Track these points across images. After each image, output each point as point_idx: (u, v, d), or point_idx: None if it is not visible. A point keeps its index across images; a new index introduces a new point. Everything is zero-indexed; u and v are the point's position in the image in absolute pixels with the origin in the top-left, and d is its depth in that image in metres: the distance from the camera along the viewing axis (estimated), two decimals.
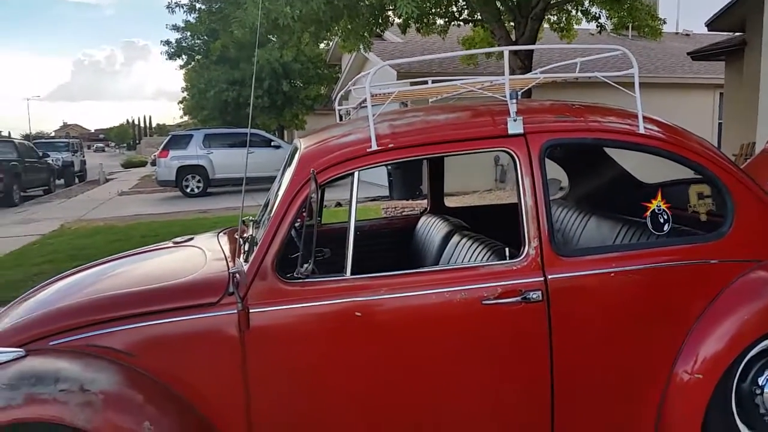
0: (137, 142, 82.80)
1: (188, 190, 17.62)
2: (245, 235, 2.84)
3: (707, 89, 16.50)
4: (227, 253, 2.92)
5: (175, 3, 13.09)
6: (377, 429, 2.58)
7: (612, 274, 2.62)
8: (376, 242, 4.06)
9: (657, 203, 2.74)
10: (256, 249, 2.54)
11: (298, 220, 2.67)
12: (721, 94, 14.36)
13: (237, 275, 2.47)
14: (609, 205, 3.69)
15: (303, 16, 8.05)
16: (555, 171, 3.89)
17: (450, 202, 4.28)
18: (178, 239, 3.38)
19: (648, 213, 2.74)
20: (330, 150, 2.63)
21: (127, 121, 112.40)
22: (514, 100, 2.62)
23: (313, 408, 2.52)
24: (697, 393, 2.69)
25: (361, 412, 2.56)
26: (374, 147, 2.57)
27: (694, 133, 3.00)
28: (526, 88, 3.13)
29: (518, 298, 2.55)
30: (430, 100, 3.60)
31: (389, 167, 13.94)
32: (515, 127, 2.64)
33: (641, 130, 2.72)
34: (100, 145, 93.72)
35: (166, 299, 2.51)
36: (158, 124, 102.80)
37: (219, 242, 3.13)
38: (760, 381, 2.81)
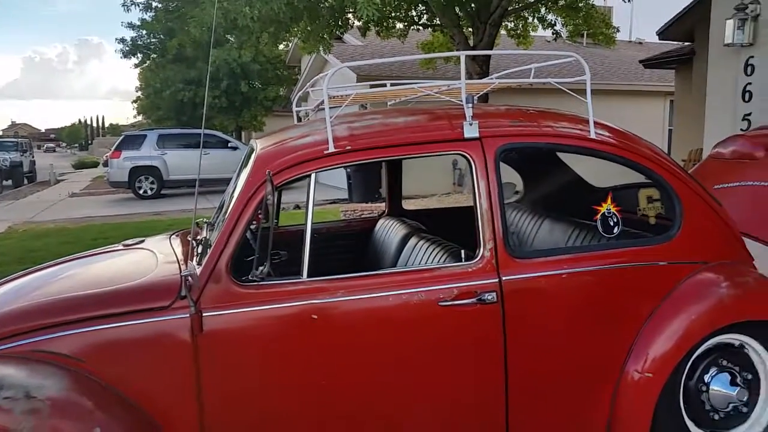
0: (89, 142, 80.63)
1: (141, 192, 17.23)
2: (199, 237, 2.79)
3: (658, 96, 16.99)
4: (179, 255, 2.87)
5: (131, 1, 12.75)
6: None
7: (564, 276, 2.68)
8: (333, 245, 4.05)
9: (607, 206, 2.80)
10: (209, 251, 2.50)
11: (254, 222, 2.65)
12: (671, 101, 14.81)
13: (189, 278, 2.43)
14: (562, 209, 3.76)
15: (262, 17, 7.98)
16: (510, 175, 3.96)
17: (409, 205, 4.30)
18: (128, 242, 3.30)
19: (598, 216, 2.80)
20: (287, 151, 2.62)
21: (80, 120, 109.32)
22: (470, 105, 2.65)
23: (267, 412, 2.49)
24: (647, 391, 2.76)
25: (317, 416, 2.54)
26: (331, 149, 2.57)
27: (644, 138, 3.08)
28: (482, 92, 3.17)
29: (474, 300, 2.58)
30: (389, 103, 3.61)
31: (348, 170, 13.98)
32: (471, 131, 2.67)
33: (592, 135, 2.78)
34: (51, 145, 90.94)
35: (116, 303, 2.45)
36: (111, 124, 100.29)
37: (171, 245, 3.07)
38: (706, 378, 2.91)
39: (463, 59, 2.64)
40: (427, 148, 2.69)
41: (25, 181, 25.39)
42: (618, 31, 14.44)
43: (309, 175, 2.57)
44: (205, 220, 2.94)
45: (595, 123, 2.84)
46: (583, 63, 2.73)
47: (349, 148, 2.60)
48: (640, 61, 12.76)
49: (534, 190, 4.19)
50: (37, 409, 2.17)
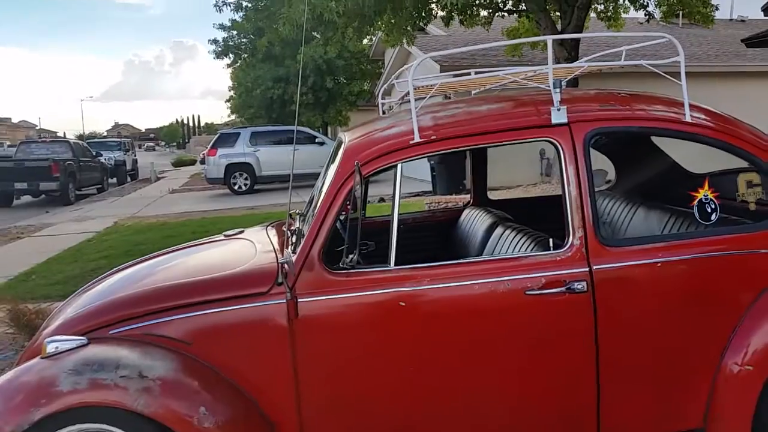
0: (186, 141, 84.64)
1: (236, 188, 17.97)
2: (293, 227, 2.91)
3: (765, 78, 15.89)
4: (276, 245, 3.00)
5: (222, 1, 13.22)
6: (424, 417, 2.63)
7: (658, 264, 2.60)
8: (419, 235, 4.10)
9: (704, 192, 2.69)
10: (303, 241, 2.61)
11: (343, 212, 2.75)
12: None
13: (285, 265, 2.55)
14: (656, 196, 3.63)
15: (347, 11, 8.10)
16: (602, 162, 3.86)
17: (494, 196, 4.28)
18: (228, 232, 3.49)
19: (695, 202, 2.70)
20: (374, 143, 2.68)
21: (177, 120, 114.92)
22: (558, 90, 2.62)
23: (359, 395, 2.58)
24: (748, 384, 2.64)
25: (408, 401, 2.60)
26: (417, 139, 2.61)
27: (744, 121, 2.93)
28: (571, 77, 3.11)
29: (562, 289, 2.55)
30: (474, 92, 3.61)
31: (432, 162, 13.98)
32: (559, 116, 2.63)
33: (688, 118, 2.68)
34: (151, 144, 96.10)
35: (218, 289, 2.60)
36: (206, 123, 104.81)
37: (268, 235, 3.22)
38: None
39: (550, 43, 2.61)
40: (513, 135, 2.68)
41: (128, 179, 27.06)
42: (717, 9, 13.61)
43: (395, 165, 2.63)
44: (298, 212, 3.07)
45: (691, 105, 2.73)
46: (676, 43, 2.63)
47: (434, 137, 2.63)
48: (742, 40, 11.98)
49: (627, 177, 4.06)
50: (148, 388, 2.35)
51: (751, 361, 2.63)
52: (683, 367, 2.67)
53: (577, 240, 2.59)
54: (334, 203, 2.58)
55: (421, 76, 3.03)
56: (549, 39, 2.62)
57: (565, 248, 2.60)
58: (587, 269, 2.57)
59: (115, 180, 25.18)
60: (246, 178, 17.99)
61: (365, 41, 21.51)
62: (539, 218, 3.31)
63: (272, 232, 3.29)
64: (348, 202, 2.62)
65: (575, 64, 2.88)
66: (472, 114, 2.83)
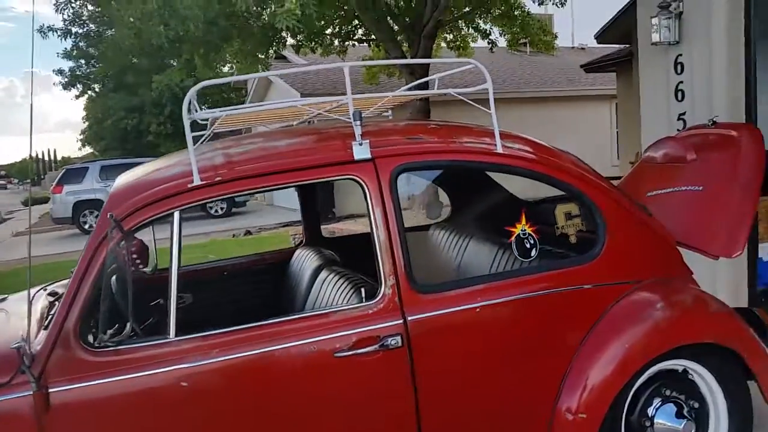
0: (42, 177, 78.34)
1: (87, 227, 16.50)
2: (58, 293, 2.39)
3: (604, 100, 16.99)
4: (38, 317, 2.45)
5: (48, 27, 11.68)
6: None
7: (477, 310, 2.35)
8: (247, 282, 3.67)
9: (521, 227, 2.49)
10: (54, 315, 2.11)
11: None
12: (616, 104, 14.84)
13: (24, 348, 2.02)
14: (488, 228, 3.45)
15: (183, 38, 7.57)
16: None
17: (348, 226, 3.93)
18: None
19: (513, 238, 2.49)
20: (143, 187, 2.23)
21: (30, 155, 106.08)
22: (359, 122, 2.32)
23: None
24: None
25: None
26: (197, 182, 2.20)
27: (561, 149, 2.80)
28: (373, 108, 2.80)
29: (375, 347, 2.23)
30: (294, 123, 3.26)
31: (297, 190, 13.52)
32: (362, 151, 2.33)
33: (499, 149, 2.47)
34: (2, 182, 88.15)
35: None
36: (63, 157, 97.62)
37: (32, 303, 2.64)
38: (649, 411, 2.60)
39: (346, 71, 2.31)
40: (313, 173, 2.34)
41: None
42: (556, 37, 14.35)
43: (171, 214, 2.20)
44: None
45: (504, 135, 2.54)
46: (483, 70, 2.43)
47: (219, 179, 2.23)
48: (582, 66, 12.70)
49: (460, 209, 3.87)
50: None
51: (584, 408, 2.44)
52: (513, 418, 2.43)
53: (388, 289, 2.29)
54: (92, 267, 2.11)
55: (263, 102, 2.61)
56: (346, 66, 2.32)
57: (377, 299, 2.29)
58: (401, 321, 2.27)
59: None
60: (97, 216, 16.51)
61: (226, 68, 20.81)
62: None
63: (44, 298, 2.72)
64: (114, 264, 2.16)
65: (378, 95, 2.61)
66: (268, 151, 2.46)
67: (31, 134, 2.13)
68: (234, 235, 12.85)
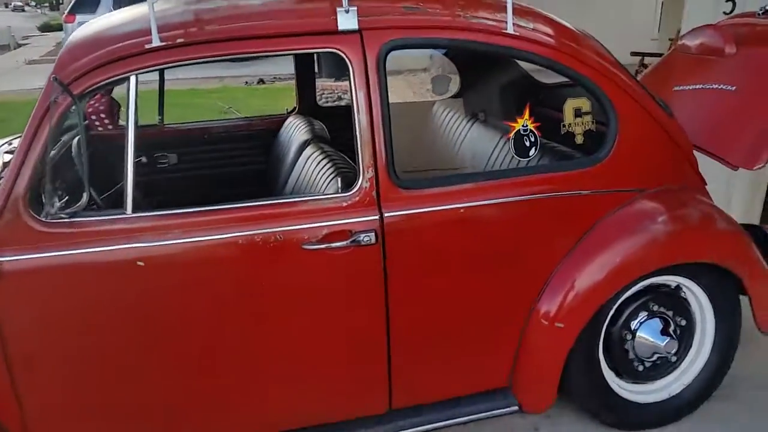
0: (60, 1, 75.92)
1: None
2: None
3: None
4: None
5: None
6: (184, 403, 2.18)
7: (461, 210, 2.16)
8: (234, 148, 3.48)
9: (523, 122, 2.23)
10: (3, 180, 1.95)
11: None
12: None
13: None
14: (494, 112, 3.18)
15: None
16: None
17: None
18: None
19: (512, 134, 2.24)
20: (94, 47, 1.97)
21: None
22: None
23: (84, 384, 2.06)
24: (557, 342, 2.36)
25: (160, 386, 2.12)
26: (156, 42, 1.94)
27: (584, 31, 2.46)
28: None
29: (346, 242, 2.07)
30: None
31: None
32: (347, 21, 2.03)
33: (509, 30, 2.15)
34: (20, 3, 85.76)
35: None
36: None
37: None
38: (633, 325, 2.49)
39: None
40: (287, 43, 2.05)
41: None
42: None
43: (127, 78, 1.96)
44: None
45: (520, 11, 2.21)
46: None
47: (180, 40, 1.96)
48: None
49: (469, 86, 3.54)
50: None
51: (562, 317, 2.32)
52: (485, 325, 2.33)
53: (366, 182, 2.09)
54: (39, 134, 1.91)
55: None
56: None
57: (353, 191, 2.10)
58: (377, 217, 2.10)
59: None
60: None
61: None
62: None
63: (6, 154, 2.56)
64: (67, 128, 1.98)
65: None
66: (240, 11, 2.14)
67: None
68: (247, 83, 12.44)
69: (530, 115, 2.23)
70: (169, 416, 2.17)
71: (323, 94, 9.98)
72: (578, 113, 2.28)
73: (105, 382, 2.07)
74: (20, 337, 1.96)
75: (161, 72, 3.28)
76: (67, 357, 2.01)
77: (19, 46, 24.31)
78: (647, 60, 8.10)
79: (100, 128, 2.48)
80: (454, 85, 3.70)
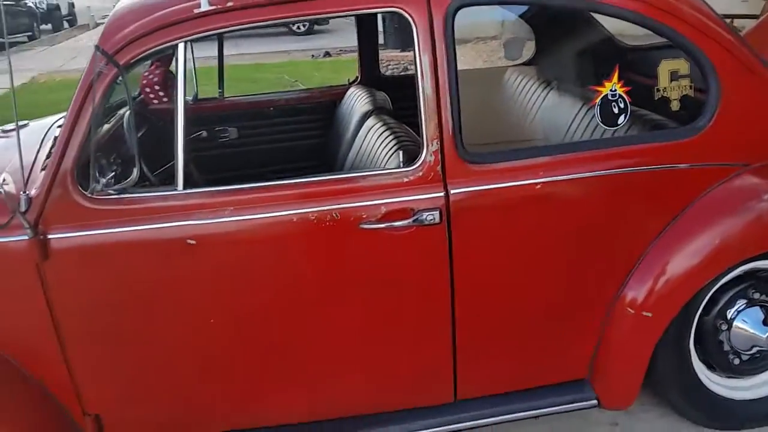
0: None
1: None
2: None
3: None
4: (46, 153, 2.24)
5: None
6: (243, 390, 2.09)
7: (538, 186, 1.94)
8: (294, 121, 3.36)
9: (611, 86, 1.98)
10: (52, 156, 1.88)
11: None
12: None
13: (2, 191, 1.83)
14: (574, 78, 2.90)
15: None
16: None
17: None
18: (7, 127, 2.67)
19: (598, 100, 1.99)
20: (140, 14, 1.85)
21: None
22: None
23: (139, 361, 1.99)
24: (644, 332, 2.12)
25: (214, 371, 2.04)
26: (205, 6, 1.80)
27: None
28: None
29: (408, 221, 1.90)
30: None
31: None
32: None
33: None
34: None
35: None
36: None
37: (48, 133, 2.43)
38: (729, 314, 2.22)
39: None
40: (347, 3, 1.88)
41: (65, 25, 24.75)
42: None
43: (175, 46, 1.84)
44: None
45: None
46: None
47: (230, 4, 1.82)
48: None
49: (546, 50, 3.27)
50: None
51: (652, 305, 2.08)
52: (562, 314, 2.12)
53: (430, 156, 1.90)
54: (85, 108, 1.82)
55: None
56: None
57: (416, 166, 1.92)
58: (443, 194, 1.91)
59: (50, 26, 22.98)
60: None
61: None
62: None
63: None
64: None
65: None
66: None
67: None
68: (313, 56, 12.34)
69: (619, 79, 1.97)
70: (224, 398, 2.09)
71: (388, 65, 9.76)
72: (675, 76, 2.01)
73: (157, 361, 2.00)
74: (72, 317, 1.91)
75: (220, 42, 3.18)
76: (118, 337, 1.94)
77: (98, 25, 25.11)
78: (737, 23, 7.47)
79: (155, 101, 2.38)
80: (528, 51, 3.44)
